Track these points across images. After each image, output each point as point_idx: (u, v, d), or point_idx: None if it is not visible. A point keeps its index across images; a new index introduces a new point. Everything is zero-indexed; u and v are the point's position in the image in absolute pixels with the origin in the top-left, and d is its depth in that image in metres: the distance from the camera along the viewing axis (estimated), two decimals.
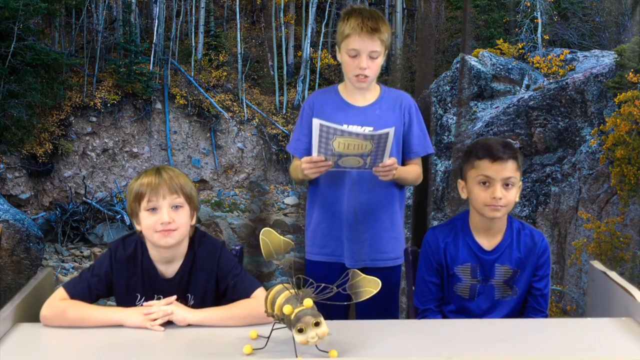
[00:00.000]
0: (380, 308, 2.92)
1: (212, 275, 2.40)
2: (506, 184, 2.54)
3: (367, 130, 2.87)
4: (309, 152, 2.89)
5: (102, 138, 17.11)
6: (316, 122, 2.65)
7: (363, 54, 2.87)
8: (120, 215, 15.79)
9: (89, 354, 2.09)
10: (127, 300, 2.39)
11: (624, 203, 10.19)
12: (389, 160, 2.75)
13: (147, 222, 2.33)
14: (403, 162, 3.02)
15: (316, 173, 2.83)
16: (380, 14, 3.01)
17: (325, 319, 1.89)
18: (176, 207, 2.33)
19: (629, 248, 9.95)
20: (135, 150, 17.49)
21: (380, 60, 2.93)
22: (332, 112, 2.98)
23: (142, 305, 2.31)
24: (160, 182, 2.32)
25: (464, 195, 2.65)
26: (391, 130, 2.64)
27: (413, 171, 3.00)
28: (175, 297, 2.29)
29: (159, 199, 2.32)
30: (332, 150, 2.69)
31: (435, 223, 11.11)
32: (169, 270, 2.41)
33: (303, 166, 2.82)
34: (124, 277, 2.39)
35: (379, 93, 3.04)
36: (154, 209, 2.32)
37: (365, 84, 2.95)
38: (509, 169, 2.54)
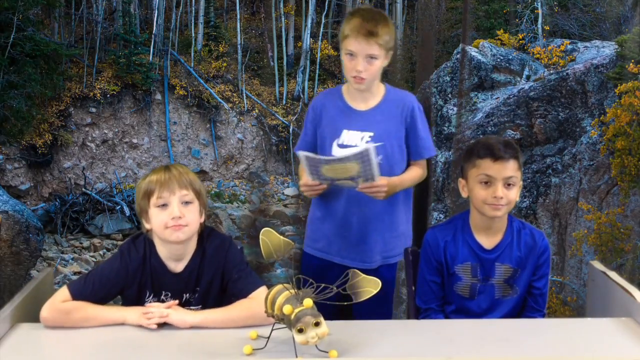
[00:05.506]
0: (372, 305, 2.92)
1: (220, 268, 2.40)
2: (507, 184, 2.54)
3: (366, 137, 2.92)
4: (311, 152, 2.97)
5: (102, 129, 17.09)
6: (302, 155, 2.74)
7: (359, 57, 2.86)
8: (119, 207, 15.78)
9: (89, 354, 2.09)
10: (137, 299, 2.38)
11: (625, 194, 10.17)
12: (377, 182, 2.77)
13: (157, 219, 2.32)
14: (408, 163, 3.03)
15: (313, 195, 2.93)
16: (383, 15, 2.97)
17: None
18: (186, 203, 2.33)
19: (630, 239, 9.93)
20: (134, 141, 17.47)
21: (380, 63, 2.90)
22: (335, 116, 3.01)
23: (150, 302, 2.34)
24: (170, 178, 2.32)
25: (464, 194, 2.65)
26: (371, 147, 2.64)
27: (412, 177, 3.00)
28: (176, 301, 2.30)
29: (169, 194, 2.31)
30: (324, 176, 2.77)
31: (435, 214, 11.12)
32: (178, 266, 2.41)
33: (301, 189, 2.92)
34: (137, 276, 2.38)
35: (382, 96, 3.02)
36: (164, 205, 2.32)
37: (362, 86, 2.93)
38: (511, 168, 2.53)
